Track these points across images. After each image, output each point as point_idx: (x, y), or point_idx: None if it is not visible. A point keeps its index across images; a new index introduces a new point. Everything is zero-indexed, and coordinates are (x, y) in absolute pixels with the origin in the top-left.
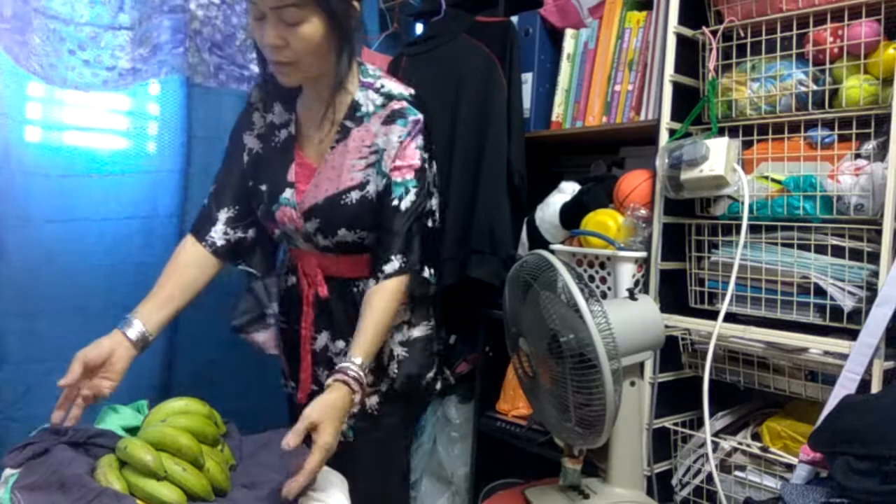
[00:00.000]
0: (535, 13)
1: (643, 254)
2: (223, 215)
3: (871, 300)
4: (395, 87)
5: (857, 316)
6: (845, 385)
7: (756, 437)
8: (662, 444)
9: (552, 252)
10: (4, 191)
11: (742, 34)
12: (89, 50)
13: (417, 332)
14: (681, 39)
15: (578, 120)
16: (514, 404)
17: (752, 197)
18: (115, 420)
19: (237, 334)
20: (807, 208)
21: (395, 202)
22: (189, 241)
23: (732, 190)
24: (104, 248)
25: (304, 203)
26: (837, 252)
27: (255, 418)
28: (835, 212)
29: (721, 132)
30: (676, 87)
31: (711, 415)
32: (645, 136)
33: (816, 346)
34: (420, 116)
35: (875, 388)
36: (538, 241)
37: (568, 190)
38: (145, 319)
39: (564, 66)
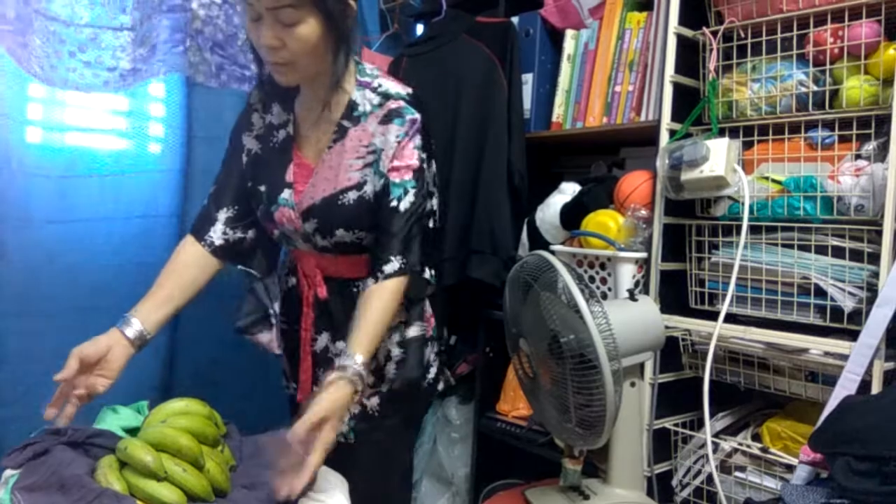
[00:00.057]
0: (535, 14)
1: (643, 254)
2: (222, 215)
3: (871, 301)
4: (392, 86)
5: (858, 317)
6: (845, 386)
7: (756, 437)
8: (663, 445)
9: (552, 253)
10: (5, 191)
11: (742, 35)
12: (90, 51)
13: (412, 331)
14: (681, 40)
15: (579, 120)
16: (514, 405)
17: (753, 197)
18: (115, 421)
19: (242, 335)
20: (807, 209)
21: (394, 203)
22: (188, 241)
23: (733, 191)
24: (104, 249)
25: (301, 203)
26: (838, 253)
27: (256, 419)
28: (835, 212)
29: (721, 133)
30: (677, 87)
31: (712, 415)
32: (645, 137)
33: (817, 347)
34: (417, 115)
35: (875, 388)
36: (538, 241)
37: (568, 191)
38: (143, 318)
39: (565, 67)
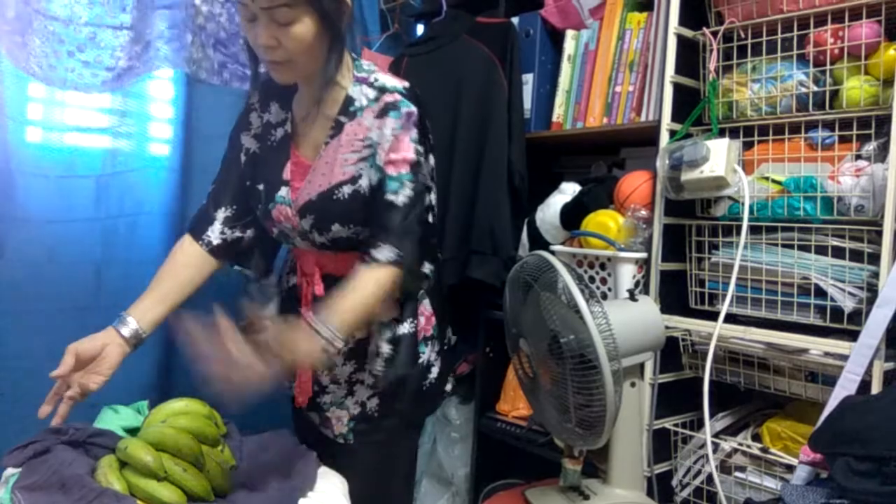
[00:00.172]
0: (535, 14)
1: (643, 255)
2: (221, 215)
3: (871, 301)
4: (388, 80)
5: (858, 317)
6: (845, 386)
7: (756, 437)
8: (663, 445)
9: (552, 253)
10: (4, 191)
11: (743, 35)
12: (88, 51)
13: (404, 328)
14: (681, 40)
15: (579, 121)
16: (514, 405)
17: (753, 198)
18: (116, 420)
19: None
20: (807, 209)
21: (390, 197)
22: (186, 241)
23: (733, 191)
24: (104, 248)
25: (298, 200)
26: (838, 253)
27: (256, 419)
28: (835, 213)
29: (722, 133)
30: (677, 88)
31: (712, 416)
32: (645, 137)
33: (817, 347)
34: (413, 108)
35: (875, 388)
36: (539, 241)
37: (568, 191)
38: (139, 317)
39: (565, 67)
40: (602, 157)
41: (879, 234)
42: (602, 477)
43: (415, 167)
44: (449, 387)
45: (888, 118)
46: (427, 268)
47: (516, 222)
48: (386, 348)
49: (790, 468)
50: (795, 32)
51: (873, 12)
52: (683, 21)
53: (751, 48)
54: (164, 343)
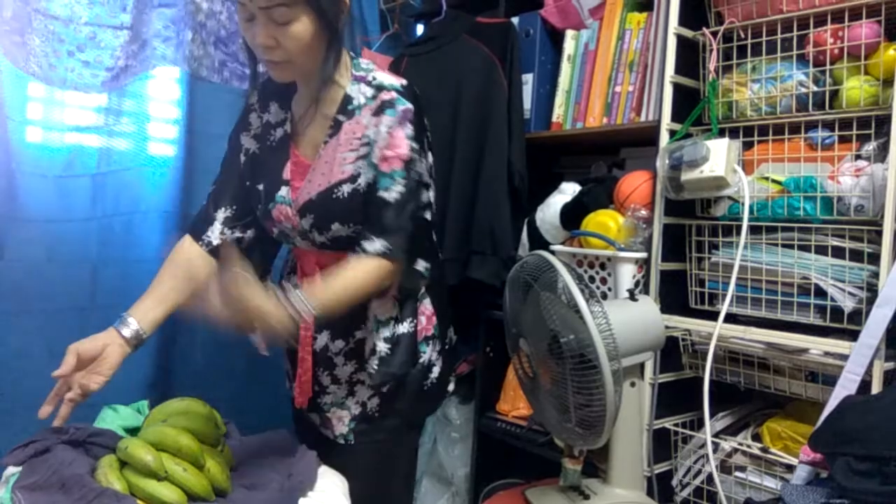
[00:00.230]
0: (535, 14)
1: (643, 254)
2: (221, 215)
3: (871, 301)
4: (385, 78)
5: (858, 317)
6: (846, 386)
7: (756, 437)
8: (663, 445)
9: (552, 253)
10: (4, 191)
11: (742, 35)
12: (88, 51)
13: (403, 328)
14: (681, 40)
15: (579, 121)
16: (514, 405)
17: (753, 198)
18: (116, 420)
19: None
20: (807, 209)
21: (382, 193)
22: (186, 241)
23: (733, 191)
24: (103, 247)
25: (298, 200)
26: (838, 253)
27: (256, 419)
28: (835, 213)
29: (721, 133)
30: (677, 88)
31: (712, 415)
32: (645, 137)
33: (817, 347)
34: (409, 106)
35: (875, 388)
36: (539, 241)
37: (568, 191)
38: (140, 317)
39: (565, 67)
40: (602, 157)
41: (879, 233)
42: (602, 477)
43: (408, 164)
44: (451, 387)
45: (888, 118)
46: (421, 265)
47: (516, 222)
48: (383, 347)
49: (790, 468)
50: (795, 32)
51: (873, 12)
52: (683, 21)
53: (751, 48)
54: (164, 343)
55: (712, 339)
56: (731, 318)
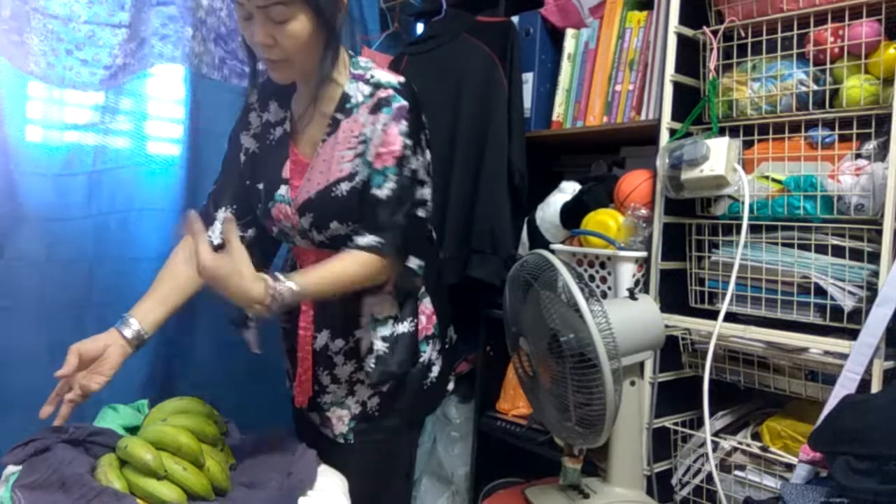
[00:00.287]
0: (535, 13)
1: (643, 253)
2: (221, 215)
3: (871, 300)
4: (383, 76)
5: (858, 316)
6: (845, 385)
7: (756, 436)
8: (662, 444)
9: (552, 252)
10: (2, 189)
11: (743, 34)
12: (87, 49)
13: (403, 328)
14: (681, 39)
15: (579, 120)
16: (514, 404)
17: (753, 197)
18: (116, 419)
19: (233, 330)
20: (807, 208)
21: (374, 190)
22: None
23: (733, 190)
24: (102, 246)
25: (297, 199)
26: (838, 252)
27: (256, 418)
28: (835, 212)
29: (722, 132)
30: (677, 86)
31: (711, 414)
32: (645, 136)
33: (816, 346)
34: (405, 103)
35: (875, 387)
36: (539, 240)
37: (568, 190)
38: (141, 318)
39: (565, 66)
40: (602, 156)
41: (879, 232)
42: (602, 475)
43: (400, 160)
44: (450, 386)
45: (888, 117)
46: (414, 263)
47: (516, 221)
48: (381, 345)
49: (790, 467)
50: (795, 31)
51: (873, 11)
52: (683, 20)
53: (751, 47)
54: (164, 343)
55: (712, 338)
56: (730, 317)
